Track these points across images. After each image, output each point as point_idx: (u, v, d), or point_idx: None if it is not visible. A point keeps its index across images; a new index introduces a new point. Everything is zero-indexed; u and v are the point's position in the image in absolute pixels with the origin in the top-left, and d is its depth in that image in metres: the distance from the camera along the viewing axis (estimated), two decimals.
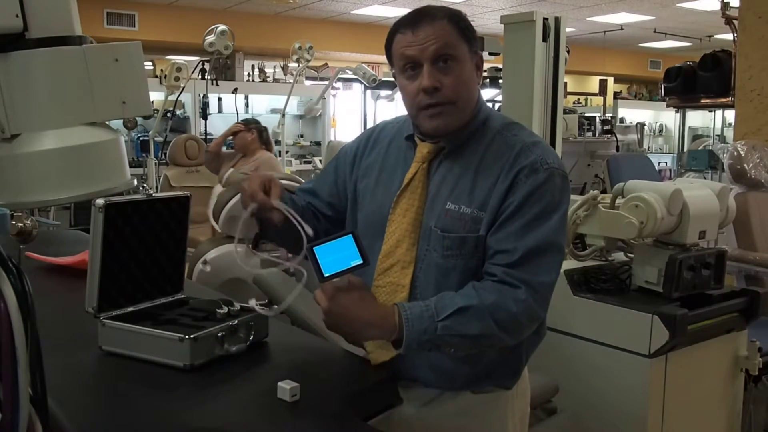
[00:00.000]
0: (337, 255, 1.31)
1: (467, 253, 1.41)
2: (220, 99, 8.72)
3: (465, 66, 1.44)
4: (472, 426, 1.50)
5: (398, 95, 7.24)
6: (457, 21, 1.44)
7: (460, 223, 1.41)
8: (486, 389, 1.51)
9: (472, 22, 1.50)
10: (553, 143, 2.88)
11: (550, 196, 1.40)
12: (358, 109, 10.32)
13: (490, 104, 5.09)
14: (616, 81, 14.51)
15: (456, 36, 1.42)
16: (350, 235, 1.33)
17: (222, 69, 8.87)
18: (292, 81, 7.82)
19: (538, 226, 1.38)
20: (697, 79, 6.53)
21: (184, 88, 6.00)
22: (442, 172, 1.47)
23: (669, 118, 11.38)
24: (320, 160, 8.81)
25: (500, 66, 3.44)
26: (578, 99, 12.97)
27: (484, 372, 1.48)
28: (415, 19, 1.42)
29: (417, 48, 1.40)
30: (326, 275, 1.30)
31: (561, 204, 1.42)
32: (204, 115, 8.08)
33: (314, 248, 1.30)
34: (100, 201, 1.46)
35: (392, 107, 7.63)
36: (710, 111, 8.79)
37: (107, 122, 1.14)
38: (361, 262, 1.32)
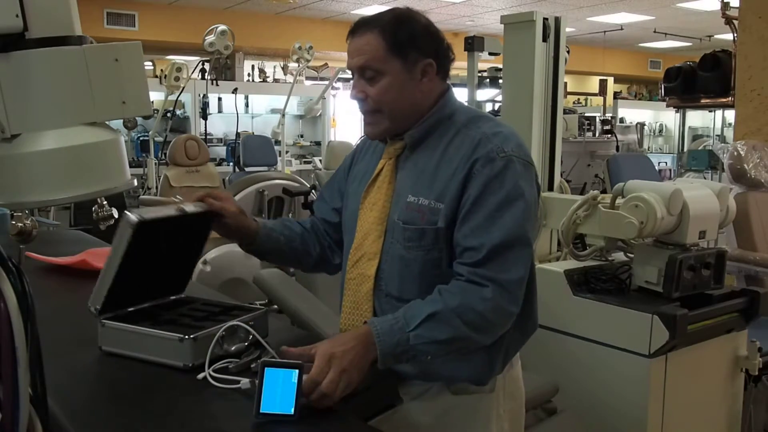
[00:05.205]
0: (279, 389, 1.17)
1: (427, 245, 1.43)
2: (220, 99, 8.74)
3: (394, 78, 1.44)
4: (453, 427, 1.48)
5: None
6: (393, 32, 1.42)
7: (419, 214, 1.43)
8: (464, 388, 1.49)
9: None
10: (553, 143, 2.87)
11: (511, 183, 1.38)
12: (357, 109, 10.31)
13: (489, 104, 5.08)
14: (616, 81, 14.51)
15: (384, 50, 1.42)
16: (297, 370, 1.18)
17: (222, 69, 8.88)
18: (292, 81, 7.83)
19: (501, 216, 1.36)
20: (697, 79, 6.52)
21: (184, 88, 6.01)
22: (408, 166, 1.50)
23: (669, 118, 11.38)
24: (320, 160, 8.82)
25: (500, 66, 3.43)
26: (578, 99, 12.98)
27: (455, 364, 1.45)
28: (353, 29, 1.47)
29: (349, 59, 1.47)
30: (262, 412, 1.16)
31: (524, 191, 1.39)
32: (204, 115, 8.09)
33: (266, 368, 1.17)
34: (133, 218, 1.35)
35: None
36: (710, 111, 8.79)
37: (107, 122, 1.14)
38: (290, 414, 1.16)
